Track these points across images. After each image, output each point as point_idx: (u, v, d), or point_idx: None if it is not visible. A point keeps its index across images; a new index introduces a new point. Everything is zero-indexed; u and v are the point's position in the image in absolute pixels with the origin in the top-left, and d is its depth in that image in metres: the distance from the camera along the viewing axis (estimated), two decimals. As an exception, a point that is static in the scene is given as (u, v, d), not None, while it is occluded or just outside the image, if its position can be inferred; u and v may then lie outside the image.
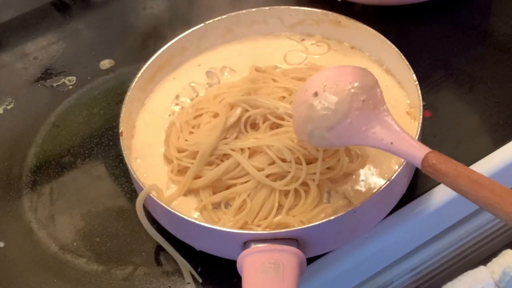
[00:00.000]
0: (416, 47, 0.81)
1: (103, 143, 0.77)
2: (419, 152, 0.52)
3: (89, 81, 0.85)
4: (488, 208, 0.46)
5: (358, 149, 0.66)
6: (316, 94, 0.56)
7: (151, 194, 0.62)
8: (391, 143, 0.54)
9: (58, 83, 0.85)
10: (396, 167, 0.64)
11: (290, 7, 0.78)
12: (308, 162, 0.62)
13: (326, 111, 0.56)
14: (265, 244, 0.57)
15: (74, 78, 0.85)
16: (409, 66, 0.69)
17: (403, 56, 0.70)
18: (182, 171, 0.66)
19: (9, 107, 0.83)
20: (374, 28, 0.74)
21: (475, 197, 0.46)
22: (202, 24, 0.77)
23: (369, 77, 0.57)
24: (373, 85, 0.57)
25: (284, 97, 0.67)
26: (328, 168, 0.63)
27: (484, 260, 0.77)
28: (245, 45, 0.79)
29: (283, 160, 0.62)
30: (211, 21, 0.77)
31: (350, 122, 0.55)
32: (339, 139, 0.56)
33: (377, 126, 0.55)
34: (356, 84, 0.56)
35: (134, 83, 0.72)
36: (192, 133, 0.68)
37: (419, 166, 0.52)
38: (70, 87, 0.84)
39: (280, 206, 0.63)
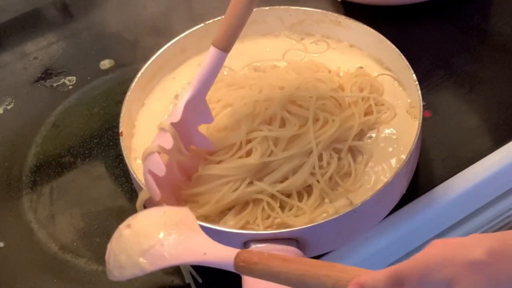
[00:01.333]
0: (416, 47, 0.81)
1: (103, 143, 0.77)
2: (232, 252, 0.50)
3: (89, 81, 0.85)
4: (301, 279, 0.46)
5: (361, 148, 0.66)
6: (128, 226, 0.57)
7: (151, 195, 0.62)
8: (204, 253, 0.53)
9: (58, 83, 0.85)
10: (397, 166, 0.64)
11: (290, 7, 0.78)
12: None
13: (139, 238, 0.55)
14: (265, 244, 0.57)
15: (74, 78, 0.85)
16: (409, 66, 0.69)
17: (403, 56, 0.70)
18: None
19: (9, 107, 0.83)
20: (374, 28, 0.74)
21: (288, 273, 0.46)
22: (202, 24, 0.77)
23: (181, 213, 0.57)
24: (183, 218, 0.57)
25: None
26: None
27: (484, 260, 0.77)
28: (245, 45, 0.79)
29: None
30: (211, 21, 0.77)
31: (162, 244, 0.54)
32: (153, 262, 0.55)
33: (189, 243, 0.54)
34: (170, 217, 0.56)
35: (134, 83, 0.72)
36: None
37: (233, 268, 0.50)
38: (70, 87, 0.84)
39: (282, 207, 0.63)
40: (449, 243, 0.42)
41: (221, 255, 0.51)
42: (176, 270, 0.64)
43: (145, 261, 0.55)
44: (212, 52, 0.62)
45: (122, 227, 0.57)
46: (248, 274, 0.49)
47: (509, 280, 0.40)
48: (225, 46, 0.62)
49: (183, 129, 0.62)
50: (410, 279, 0.41)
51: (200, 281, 0.63)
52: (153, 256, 0.54)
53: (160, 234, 0.54)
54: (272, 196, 0.63)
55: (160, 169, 0.60)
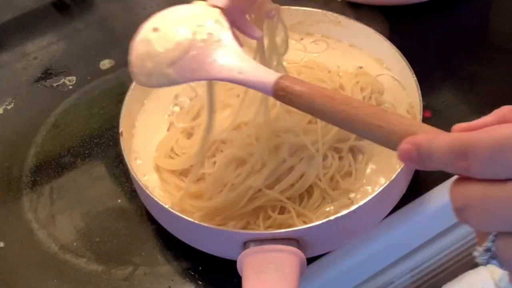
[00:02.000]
0: (416, 47, 0.81)
1: (103, 143, 0.77)
2: (272, 77, 0.47)
3: (89, 81, 0.85)
4: (347, 124, 0.41)
5: (361, 147, 0.66)
6: (155, 29, 0.51)
7: (152, 195, 0.62)
8: (240, 72, 0.49)
9: (58, 83, 0.85)
10: (397, 166, 0.64)
11: (290, 7, 0.78)
12: None
13: (167, 45, 0.50)
14: (265, 244, 0.57)
15: (74, 78, 0.85)
16: (409, 66, 0.69)
17: (403, 56, 0.70)
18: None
19: (9, 107, 0.83)
20: (374, 28, 0.74)
21: (332, 113, 0.42)
22: (202, 24, 0.77)
23: (213, 12, 0.53)
24: (218, 19, 0.52)
25: None
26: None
27: (484, 260, 0.77)
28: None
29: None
30: (211, 21, 0.77)
31: (193, 54, 0.50)
32: (182, 74, 0.50)
33: (224, 56, 0.50)
34: (200, 18, 0.52)
35: (134, 83, 0.71)
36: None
37: (271, 94, 0.47)
38: (70, 87, 0.84)
39: (283, 208, 0.63)
40: None
41: (258, 78, 0.48)
42: (176, 270, 0.64)
43: (174, 71, 0.50)
44: None
45: (148, 29, 0.51)
46: (288, 104, 0.46)
47: None
48: None
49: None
50: (477, 156, 0.35)
51: (200, 281, 0.63)
52: (182, 67, 0.50)
53: (191, 42, 0.50)
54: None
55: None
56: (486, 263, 0.37)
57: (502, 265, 0.36)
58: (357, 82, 0.71)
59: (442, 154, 0.37)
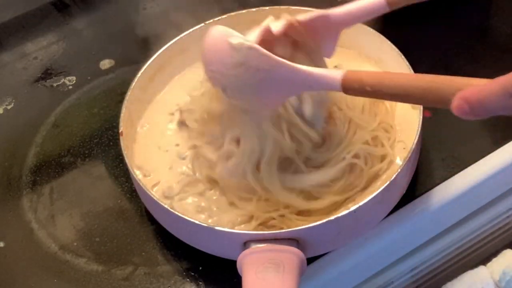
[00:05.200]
0: (416, 47, 0.81)
1: (103, 143, 0.77)
2: (336, 76, 0.52)
3: (89, 81, 0.85)
4: (407, 98, 0.48)
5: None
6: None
7: (151, 194, 0.62)
8: (309, 86, 0.55)
9: (58, 83, 0.85)
10: (398, 164, 0.64)
11: (290, 7, 0.78)
12: None
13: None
14: (265, 244, 0.57)
15: (74, 78, 0.85)
16: (409, 66, 0.69)
17: (403, 56, 0.70)
18: None
19: (9, 107, 0.83)
20: (374, 28, 0.74)
21: (394, 93, 0.48)
22: (202, 24, 0.77)
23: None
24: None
25: None
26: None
27: (484, 260, 0.77)
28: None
29: None
30: (211, 20, 0.77)
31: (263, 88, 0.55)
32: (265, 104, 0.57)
33: (289, 80, 0.54)
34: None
35: (134, 83, 0.71)
36: None
37: (340, 90, 0.52)
38: (70, 87, 0.84)
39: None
40: None
41: (326, 81, 0.53)
42: (176, 270, 0.64)
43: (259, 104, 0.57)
44: None
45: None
46: (356, 95, 0.52)
47: None
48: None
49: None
50: None
51: (200, 281, 0.63)
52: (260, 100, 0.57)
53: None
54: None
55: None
56: None
57: None
58: None
59: (496, 98, 0.40)
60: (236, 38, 0.55)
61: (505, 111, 0.41)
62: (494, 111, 0.41)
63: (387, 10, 0.61)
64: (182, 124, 0.72)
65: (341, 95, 0.58)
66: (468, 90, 0.41)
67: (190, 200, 0.66)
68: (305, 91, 0.59)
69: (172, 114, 0.73)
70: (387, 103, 0.69)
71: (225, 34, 0.56)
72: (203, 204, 0.65)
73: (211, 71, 0.58)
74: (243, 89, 0.57)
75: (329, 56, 0.64)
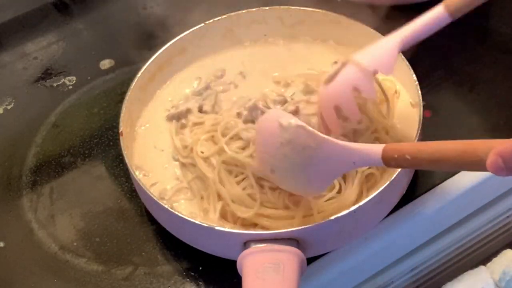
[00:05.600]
0: (416, 47, 0.81)
1: (103, 143, 0.77)
2: (376, 150, 0.53)
3: (89, 81, 0.85)
4: (442, 166, 0.50)
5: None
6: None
7: (151, 194, 0.62)
8: (354, 162, 0.55)
9: (58, 83, 0.85)
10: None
11: (290, 7, 0.78)
12: None
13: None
14: (265, 244, 0.57)
15: (74, 78, 0.85)
16: (409, 66, 0.69)
17: (403, 56, 0.70)
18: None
19: (9, 107, 0.83)
20: (374, 28, 0.74)
21: (431, 164, 0.51)
22: (202, 24, 0.77)
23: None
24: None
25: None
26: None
27: (484, 260, 0.77)
28: (243, 46, 0.79)
29: None
30: (211, 21, 0.77)
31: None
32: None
33: (334, 157, 0.56)
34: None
35: (134, 83, 0.71)
36: None
37: (381, 164, 0.54)
38: (70, 87, 0.84)
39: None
40: None
41: (368, 158, 0.54)
42: (176, 270, 0.64)
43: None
44: (438, 8, 0.60)
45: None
46: (396, 167, 0.57)
47: None
48: (453, 9, 0.60)
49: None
50: None
51: (200, 281, 0.63)
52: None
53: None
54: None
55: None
56: None
57: None
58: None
59: None
60: (286, 118, 0.57)
61: None
62: None
63: (448, 21, 0.61)
64: (179, 123, 0.72)
65: None
66: (502, 146, 0.43)
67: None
68: (349, 170, 0.61)
69: (170, 111, 0.73)
70: (387, 104, 0.69)
71: (277, 116, 0.57)
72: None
73: (260, 151, 0.60)
74: (290, 168, 0.58)
75: (387, 74, 0.64)
